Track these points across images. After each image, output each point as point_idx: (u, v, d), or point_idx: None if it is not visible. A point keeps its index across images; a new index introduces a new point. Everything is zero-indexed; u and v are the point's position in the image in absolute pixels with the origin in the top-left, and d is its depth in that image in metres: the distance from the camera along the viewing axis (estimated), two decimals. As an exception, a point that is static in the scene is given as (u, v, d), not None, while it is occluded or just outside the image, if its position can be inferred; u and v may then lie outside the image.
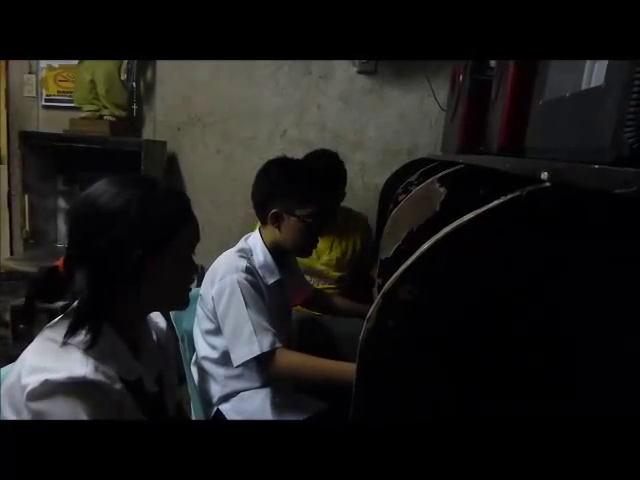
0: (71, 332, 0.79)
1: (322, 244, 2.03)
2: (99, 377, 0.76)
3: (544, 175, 0.49)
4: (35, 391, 0.72)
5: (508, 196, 0.51)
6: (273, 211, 1.37)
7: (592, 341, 0.54)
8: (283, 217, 1.37)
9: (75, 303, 0.86)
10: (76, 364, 0.75)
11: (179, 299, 0.93)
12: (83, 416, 0.73)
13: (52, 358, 0.76)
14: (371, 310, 0.58)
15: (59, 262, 0.87)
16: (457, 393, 0.60)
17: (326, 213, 1.39)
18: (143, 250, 0.82)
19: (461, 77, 1.58)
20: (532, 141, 0.74)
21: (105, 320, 0.83)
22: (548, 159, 0.57)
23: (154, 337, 1.00)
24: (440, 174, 1.12)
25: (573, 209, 0.52)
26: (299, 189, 1.37)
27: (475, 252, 0.56)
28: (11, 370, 0.81)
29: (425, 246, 0.54)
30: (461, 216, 0.57)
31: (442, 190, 1.11)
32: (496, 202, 0.51)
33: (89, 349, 0.78)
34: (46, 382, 0.72)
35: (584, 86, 0.50)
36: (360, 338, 0.61)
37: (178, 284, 0.91)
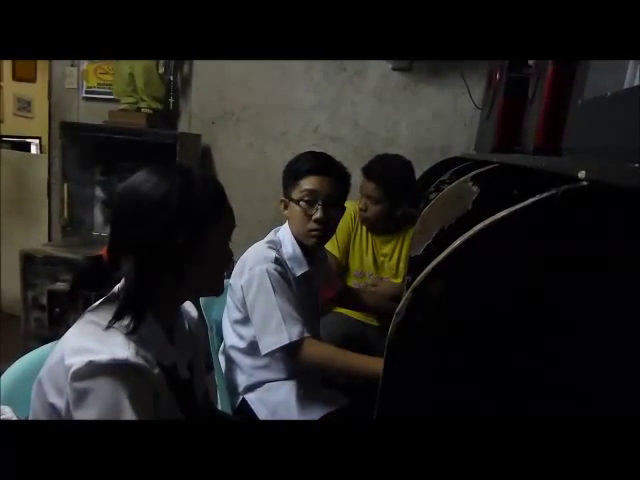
0: (117, 317, 0.81)
1: (385, 249, 2.03)
2: (140, 361, 0.79)
3: (581, 174, 0.48)
4: (79, 371, 0.75)
5: (544, 194, 0.50)
6: (280, 199, 1.43)
7: (628, 342, 0.53)
8: (286, 203, 1.42)
9: (116, 288, 0.89)
10: (119, 347, 0.78)
11: (216, 285, 0.95)
12: (124, 397, 0.75)
13: (95, 340, 0.79)
14: (401, 305, 0.59)
15: (103, 251, 0.90)
16: (485, 389, 0.60)
17: (323, 198, 1.36)
18: (184, 236, 0.84)
19: (498, 75, 1.56)
20: (570, 141, 0.73)
21: (148, 306, 0.85)
22: (586, 159, 0.57)
23: (186, 325, 1.03)
24: (473, 173, 1.12)
25: (610, 209, 0.52)
26: (290, 172, 1.42)
27: (507, 250, 0.56)
28: (51, 352, 0.85)
29: (457, 242, 0.54)
30: (492, 216, 0.57)
31: (475, 189, 1.09)
32: (531, 200, 0.51)
33: (131, 333, 0.81)
34: (90, 363, 0.75)
35: (626, 85, 0.50)
36: (389, 332, 0.62)
37: (216, 270, 0.93)
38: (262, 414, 1.37)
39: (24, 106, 4.34)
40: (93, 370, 0.75)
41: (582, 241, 0.54)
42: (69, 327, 0.85)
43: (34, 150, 3.95)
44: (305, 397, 1.38)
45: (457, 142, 2.37)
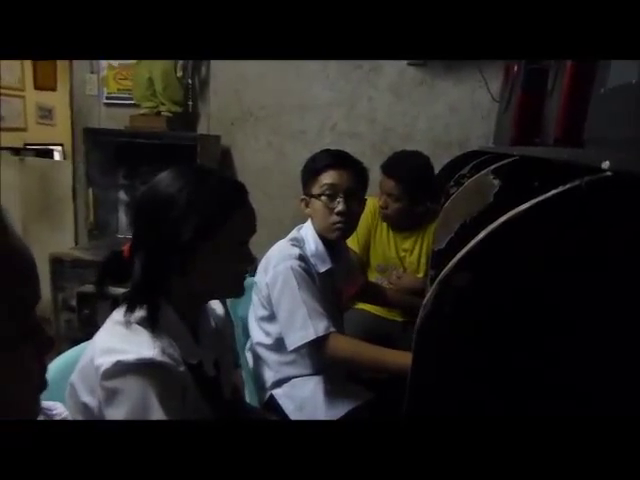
0: (129, 310, 0.84)
1: (406, 244, 2.04)
2: (165, 359, 0.81)
3: (605, 164, 0.49)
4: (108, 371, 0.78)
5: (567, 185, 0.51)
6: (300, 197, 1.45)
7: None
8: (307, 201, 1.44)
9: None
10: (144, 346, 0.81)
11: (233, 287, 0.97)
12: (152, 395, 0.78)
13: (122, 340, 0.82)
14: (427, 297, 0.60)
15: (125, 247, 0.94)
16: (511, 379, 0.61)
17: (344, 190, 1.39)
18: (194, 234, 0.85)
19: (515, 67, 1.55)
20: (592, 132, 0.72)
21: (167, 303, 0.88)
22: (610, 150, 0.57)
23: (212, 323, 1.05)
24: (494, 166, 1.12)
25: (635, 200, 0.52)
26: (309, 169, 1.44)
27: (531, 242, 0.57)
28: (83, 352, 0.88)
29: (482, 234, 0.55)
30: (515, 208, 0.58)
31: (496, 182, 1.10)
32: (555, 191, 0.52)
33: (153, 331, 0.84)
34: (118, 363, 0.78)
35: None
36: (416, 325, 0.63)
37: (231, 271, 0.94)
38: (289, 409, 1.39)
39: (46, 114, 4.44)
40: (121, 369, 0.78)
41: (606, 232, 0.54)
42: (98, 328, 0.88)
43: (57, 157, 4.04)
44: (331, 392, 1.40)
45: (475, 136, 2.36)
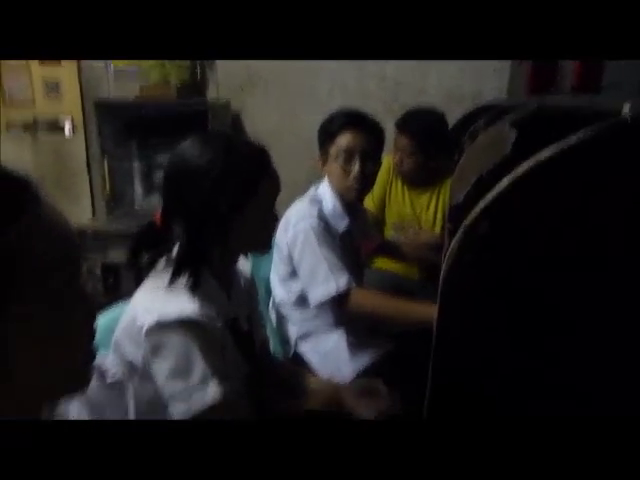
0: (174, 276, 0.88)
1: (421, 200, 2.04)
2: (204, 316, 0.86)
3: (626, 108, 0.49)
4: (152, 328, 0.82)
5: (589, 131, 0.52)
6: (318, 157, 1.46)
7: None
8: (323, 161, 1.45)
9: (174, 251, 0.96)
10: (184, 304, 0.85)
11: (264, 243, 1.01)
12: (194, 349, 0.83)
13: (163, 300, 0.86)
14: (452, 245, 0.62)
15: (156, 217, 0.97)
16: (535, 328, 0.62)
17: (360, 153, 1.39)
18: (230, 199, 0.89)
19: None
20: (610, 78, 0.73)
21: (203, 265, 0.92)
22: (630, 95, 0.57)
23: (241, 283, 1.09)
24: (509, 117, 1.11)
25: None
26: (326, 130, 1.44)
27: (554, 188, 0.58)
28: (123, 313, 0.92)
29: (506, 181, 0.56)
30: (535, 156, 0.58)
31: (512, 133, 1.10)
32: (576, 137, 0.53)
33: (192, 291, 0.88)
34: (160, 320, 0.82)
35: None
36: (442, 273, 0.65)
37: (262, 230, 0.98)
38: (314, 362, 1.45)
39: (53, 88, 4.41)
40: (163, 326, 0.82)
41: (630, 177, 0.55)
42: (122, 295, 0.92)
43: (67, 130, 4.04)
44: (354, 344, 1.45)
45: (488, 88, 2.32)
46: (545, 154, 0.54)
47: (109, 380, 0.65)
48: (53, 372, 0.48)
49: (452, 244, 0.64)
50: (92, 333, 0.52)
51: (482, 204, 0.58)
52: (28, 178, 0.47)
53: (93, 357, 0.53)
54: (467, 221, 0.59)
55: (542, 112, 1.04)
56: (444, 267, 0.64)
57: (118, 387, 0.66)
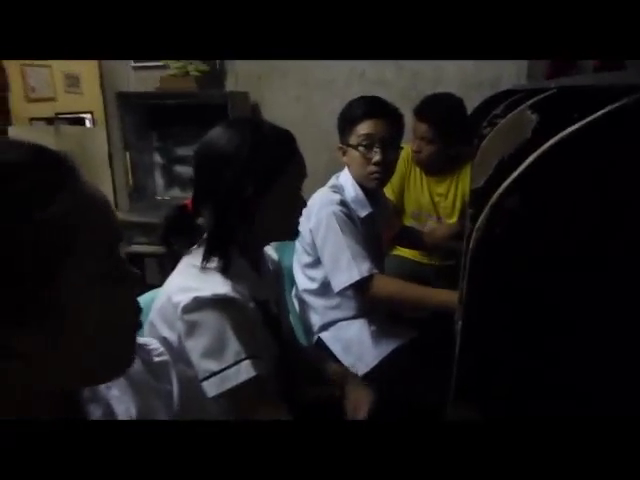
0: (206, 258, 0.91)
1: (440, 189, 2.04)
2: (237, 295, 0.89)
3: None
4: (188, 306, 0.85)
5: (615, 105, 0.53)
6: (338, 146, 1.46)
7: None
8: (344, 150, 1.45)
9: (205, 234, 0.99)
10: (218, 284, 0.88)
11: (290, 229, 1.04)
12: (228, 327, 0.85)
13: (197, 280, 0.90)
14: (480, 220, 0.63)
15: (187, 201, 1.00)
16: (562, 303, 0.62)
17: (380, 140, 1.40)
18: (258, 185, 0.92)
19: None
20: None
21: (234, 247, 0.95)
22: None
23: (270, 267, 1.12)
24: (530, 101, 1.12)
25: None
26: (345, 118, 1.45)
27: (581, 164, 0.58)
28: (157, 295, 0.96)
29: (533, 157, 0.57)
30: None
31: (533, 117, 1.10)
32: (602, 112, 0.54)
33: (225, 272, 0.91)
34: (196, 299, 0.85)
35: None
36: (470, 250, 0.66)
37: (290, 216, 1.01)
38: (337, 350, 1.47)
39: (73, 82, 4.48)
40: (199, 304, 0.85)
41: None
42: (147, 283, 0.95)
43: (88, 123, 4.11)
44: (376, 332, 1.47)
45: (506, 74, 2.31)
46: (570, 130, 0.55)
47: (155, 359, 0.68)
48: (102, 342, 0.49)
49: (480, 219, 0.65)
50: (137, 305, 0.54)
51: (509, 180, 0.59)
52: (64, 154, 0.50)
53: (139, 327, 0.55)
54: (494, 197, 0.60)
55: (563, 93, 1.04)
56: (472, 241, 0.65)
57: (164, 366, 0.69)
